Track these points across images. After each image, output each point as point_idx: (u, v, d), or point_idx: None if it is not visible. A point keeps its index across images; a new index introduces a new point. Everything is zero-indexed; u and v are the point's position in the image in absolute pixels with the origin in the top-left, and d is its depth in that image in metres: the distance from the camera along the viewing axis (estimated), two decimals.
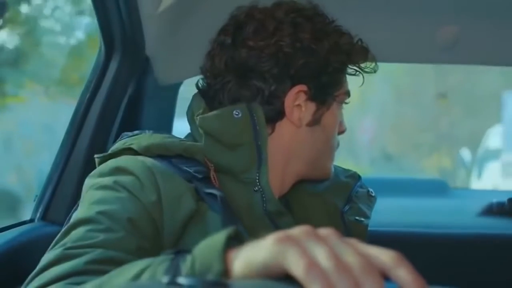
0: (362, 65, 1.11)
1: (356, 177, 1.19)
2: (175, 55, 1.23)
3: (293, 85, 1.02)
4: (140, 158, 0.95)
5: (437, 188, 2.46)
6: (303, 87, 1.02)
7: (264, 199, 0.99)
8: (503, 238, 1.71)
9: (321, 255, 0.50)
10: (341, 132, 1.13)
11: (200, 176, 0.96)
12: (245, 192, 0.99)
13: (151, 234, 0.87)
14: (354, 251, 0.51)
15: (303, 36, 1.02)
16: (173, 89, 1.69)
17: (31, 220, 1.36)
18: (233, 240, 0.56)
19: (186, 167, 0.97)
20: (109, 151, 1.02)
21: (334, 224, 1.10)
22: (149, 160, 0.94)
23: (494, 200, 1.93)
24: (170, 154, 0.98)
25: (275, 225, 0.99)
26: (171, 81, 1.62)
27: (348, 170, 1.20)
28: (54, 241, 0.86)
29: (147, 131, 1.07)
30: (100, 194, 0.90)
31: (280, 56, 1.01)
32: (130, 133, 1.07)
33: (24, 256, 1.18)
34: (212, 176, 0.98)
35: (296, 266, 0.49)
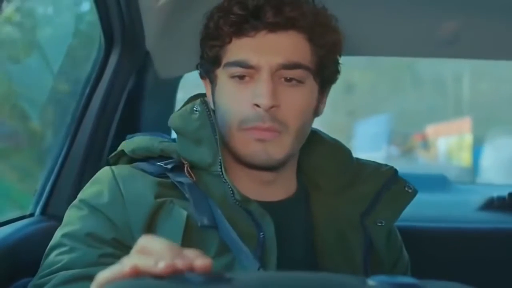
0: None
1: (389, 173, 1.13)
2: (175, 48, 1.23)
3: None
4: (113, 167, 1.04)
5: (438, 182, 2.46)
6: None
7: (231, 189, 1.01)
8: (504, 232, 1.71)
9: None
10: (258, 105, 1.00)
11: (170, 167, 1.04)
12: (217, 183, 1.03)
13: (112, 239, 0.95)
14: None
15: None
16: (174, 83, 1.69)
17: (31, 215, 1.36)
18: None
19: (160, 163, 1.05)
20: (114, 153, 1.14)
21: (353, 227, 1.10)
22: (116, 168, 1.04)
23: (495, 194, 1.93)
24: (153, 156, 1.07)
25: (247, 212, 1.01)
26: (171, 74, 1.62)
27: (385, 165, 1.16)
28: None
29: (140, 134, 1.15)
30: (67, 216, 1.01)
31: None
32: (130, 135, 1.15)
33: (24, 250, 1.18)
34: (186, 171, 1.04)
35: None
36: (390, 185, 1.12)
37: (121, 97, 1.49)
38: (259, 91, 0.99)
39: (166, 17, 1.42)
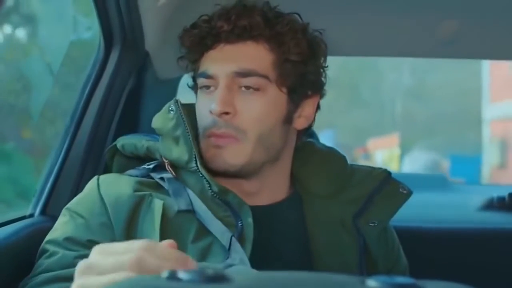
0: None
1: (382, 175, 1.15)
2: (174, 49, 1.22)
3: None
4: (100, 176, 1.10)
5: (437, 182, 2.46)
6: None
7: (207, 183, 1.04)
8: (504, 232, 1.71)
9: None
10: (211, 111, 1.04)
11: (152, 167, 1.10)
12: (195, 179, 1.06)
13: (87, 241, 1.00)
14: None
15: None
16: (173, 84, 1.69)
17: (31, 215, 1.36)
18: None
19: (144, 166, 1.12)
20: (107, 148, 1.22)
21: (347, 229, 1.11)
22: (102, 176, 1.09)
23: (495, 194, 1.94)
24: (140, 154, 1.15)
25: (225, 203, 1.04)
26: (170, 75, 1.62)
27: (378, 168, 1.18)
28: None
29: (135, 134, 1.22)
30: (55, 224, 1.06)
31: None
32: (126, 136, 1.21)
33: (24, 250, 1.18)
34: (167, 169, 1.09)
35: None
36: (383, 187, 1.13)
37: (121, 98, 1.49)
38: (214, 99, 1.04)
39: (165, 18, 1.42)
